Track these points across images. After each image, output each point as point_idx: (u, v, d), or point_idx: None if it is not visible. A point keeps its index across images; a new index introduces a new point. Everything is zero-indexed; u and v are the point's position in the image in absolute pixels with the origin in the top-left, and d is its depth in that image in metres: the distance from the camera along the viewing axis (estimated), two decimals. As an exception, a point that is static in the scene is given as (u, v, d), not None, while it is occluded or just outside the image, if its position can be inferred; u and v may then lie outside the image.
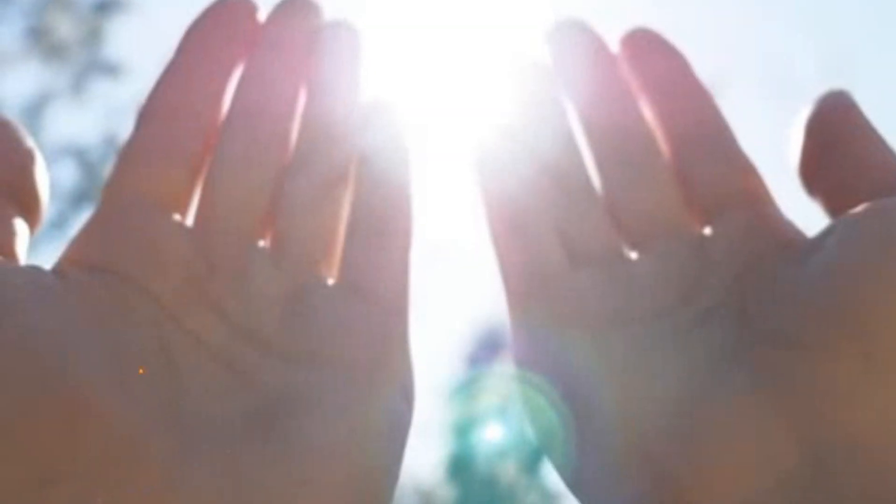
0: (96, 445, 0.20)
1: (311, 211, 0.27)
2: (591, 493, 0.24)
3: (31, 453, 0.19)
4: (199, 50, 0.28)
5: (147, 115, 0.27)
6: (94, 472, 0.20)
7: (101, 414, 0.20)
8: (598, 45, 0.31)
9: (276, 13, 0.30)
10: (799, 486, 0.21)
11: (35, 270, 0.22)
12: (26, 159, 0.24)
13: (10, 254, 0.23)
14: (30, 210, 0.24)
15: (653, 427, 0.23)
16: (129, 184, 0.25)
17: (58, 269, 0.23)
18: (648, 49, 0.30)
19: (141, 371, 0.22)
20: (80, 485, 0.19)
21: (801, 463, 0.21)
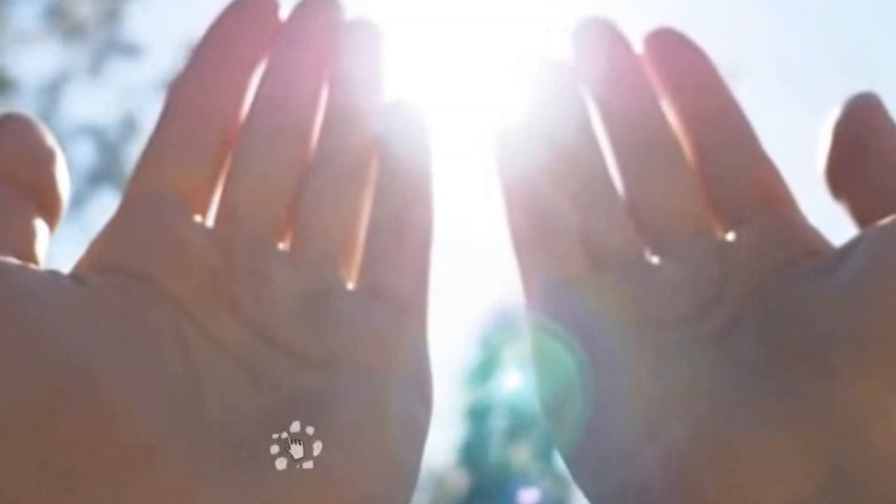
0: (115, 449, 0.20)
1: (331, 211, 0.27)
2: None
3: (49, 458, 0.19)
4: (220, 47, 0.28)
5: (168, 112, 0.27)
6: (113, 475, 0.19)
7: (119, 417, 0.20)
8: (622, 44, 0.30)
9: (298, 10, 0.30)
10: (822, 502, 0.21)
11: (53, 274, 0.22)
12: (47, 158, 0.24)
13: (30, 256, 0.23)
14: (50, 210, 0.24)
15: (675, 437, 0.23)
16: (151, 183, 0.25)
17: (76, 273, 0.23)
18: (672, 48, 0.30)
19: (160, 373, 0.21)
20: (99, 489, 0.19)
21: (823, 480, 0.21)
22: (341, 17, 0.30)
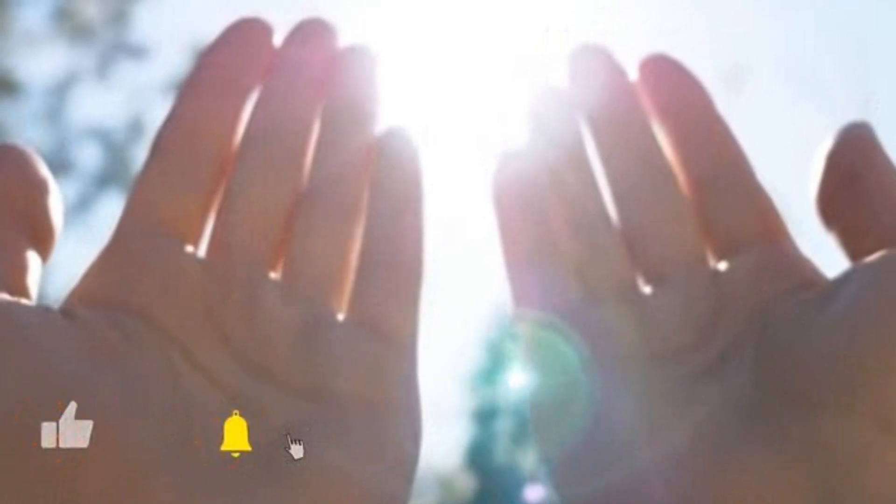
0: (106, 480, 0.20)
1: (323, 241, 0.27)
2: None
3: (41, 488, 0.19)
4: (214, 75, 0.28)
5: (162, 141, 0.26)
6: (106, 497, 0.20)
7: (111, 448, 0.20)
8: (617, 72, 0.30)
9: (292, 37, 0.29)
10: None
11: (44, 309, 0.22)
12: (41, 188, 0.24)
13: (22, 290, 0.23)
14: (42, 241, 0.24)
15: (675, 444, 0.23)
16: (144, 213, 0.25)
17: (66, 308, 0.23)
18: (666, 76, 0.30)
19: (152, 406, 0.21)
20: None
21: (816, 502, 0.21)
22: (336, 43, 0.30)
